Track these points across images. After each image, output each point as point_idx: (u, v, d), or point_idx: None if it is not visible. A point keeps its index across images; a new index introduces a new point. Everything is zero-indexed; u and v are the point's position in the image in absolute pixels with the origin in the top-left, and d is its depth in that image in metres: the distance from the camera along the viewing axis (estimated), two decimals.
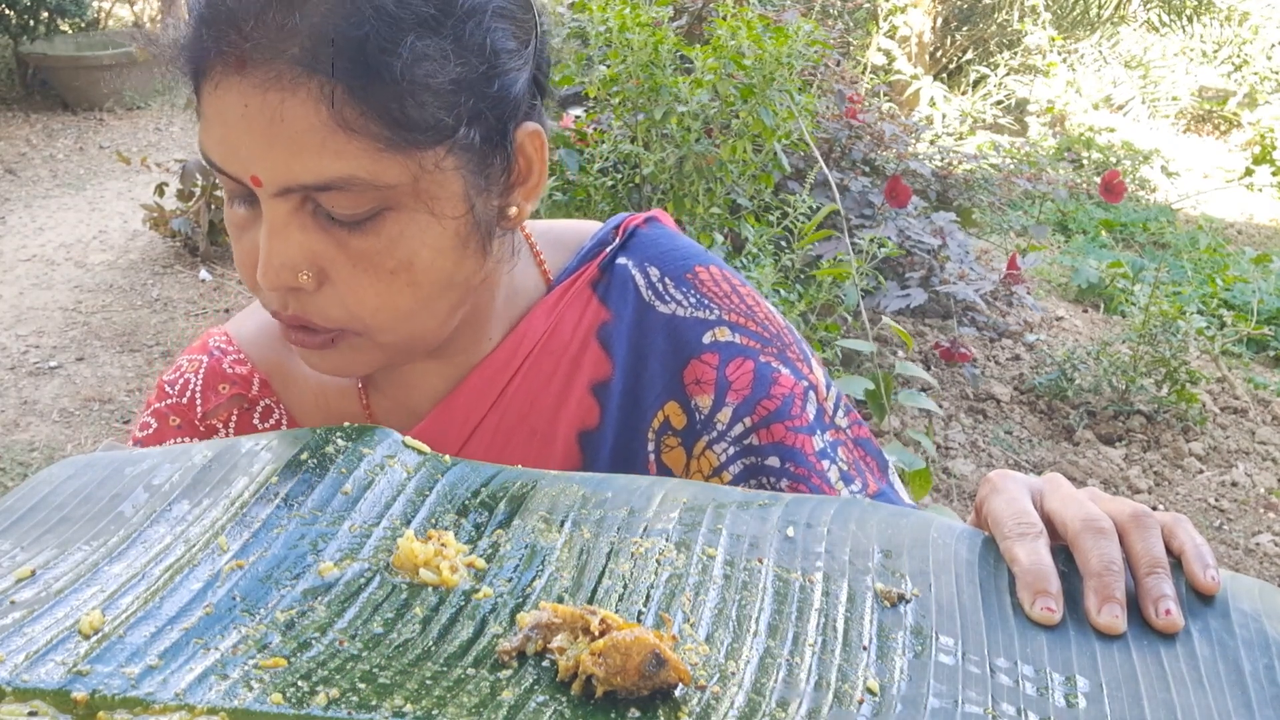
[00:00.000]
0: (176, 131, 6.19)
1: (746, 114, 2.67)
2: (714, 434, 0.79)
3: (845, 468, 0.79)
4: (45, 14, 6.36)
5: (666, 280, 0.82)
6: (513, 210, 0.74)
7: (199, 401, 0.84)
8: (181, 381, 0.85)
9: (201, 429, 0.84)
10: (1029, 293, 3.31)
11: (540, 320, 0.81)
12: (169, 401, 0.85)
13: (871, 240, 2.65)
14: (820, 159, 2.81)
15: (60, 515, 0.54)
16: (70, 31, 6.69)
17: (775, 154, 2.78)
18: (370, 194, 0.65)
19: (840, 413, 0.81)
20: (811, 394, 0.80)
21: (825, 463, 0.78)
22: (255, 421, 0.84)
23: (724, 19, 2.77)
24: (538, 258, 0.84)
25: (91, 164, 5.60)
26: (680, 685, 0.44)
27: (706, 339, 0.80)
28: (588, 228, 0.87)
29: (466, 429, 0.80)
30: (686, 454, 0.80)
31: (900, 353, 3.39)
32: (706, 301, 0.81)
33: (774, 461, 0.78)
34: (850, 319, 2.85)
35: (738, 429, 0.79)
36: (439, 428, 0.80)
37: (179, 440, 0.83)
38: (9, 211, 4.89)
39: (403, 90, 0.63)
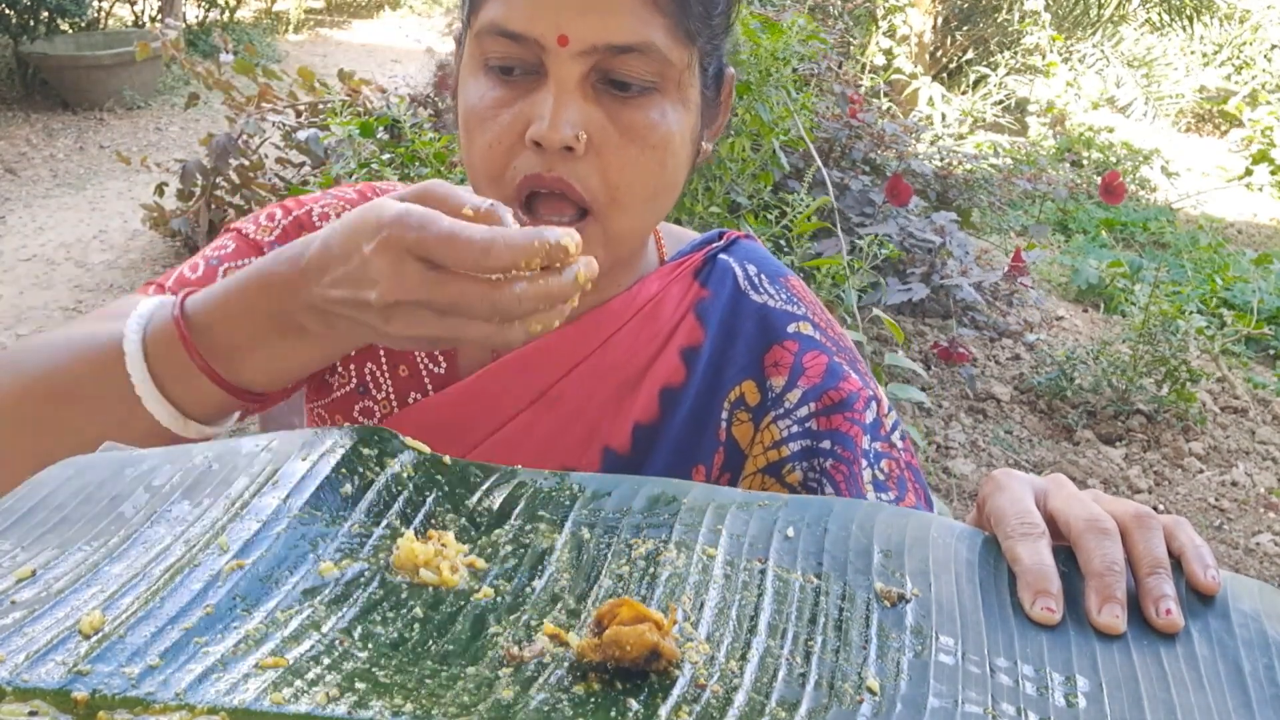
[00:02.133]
0: (176, 131, 6.19)
1: (744, 111, 2.67)
2: (781, 410, 0.85)
3: (882, 478, 0.81)
4: (45, 14, 6.36)
5: (763, 276, 0.90)
6: (705, 145, 0.82)
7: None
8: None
9: None
10: (1032, 285, 3.31)
11: (653, 284, 0.88)
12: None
13: (872, 240, 2.65)
14: (817, 157, 2.80)
15: (60, 515, 0.54)
16: (70, 31, 6.69)
17: (774, 152, 2.78)
18: (658, 65, 0.73)
19: (896, 434, 0.85)
20: (874, 404, 0.85)
21: (864, 462, 0.82)
22: None
23: None
24: (656, 236, 0.93)
25: (91, 164, 5.60)
26: (669, 664, 0.45)
27: (790, 329, 0.87)
28: (695, 233, 0.96)
29: (569, 364, 0.85)
30: (754, 428, 0.86)
31: (900, 351, 3.39)
32: (796, 299, 0.89)
33: (826, 444, 0.83)
34: (849, 318, 2.85)
35: (803, 411, 0.85)
36: (545, 357, 0.85)
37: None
38: (9, 211, 4.88)
39: None
